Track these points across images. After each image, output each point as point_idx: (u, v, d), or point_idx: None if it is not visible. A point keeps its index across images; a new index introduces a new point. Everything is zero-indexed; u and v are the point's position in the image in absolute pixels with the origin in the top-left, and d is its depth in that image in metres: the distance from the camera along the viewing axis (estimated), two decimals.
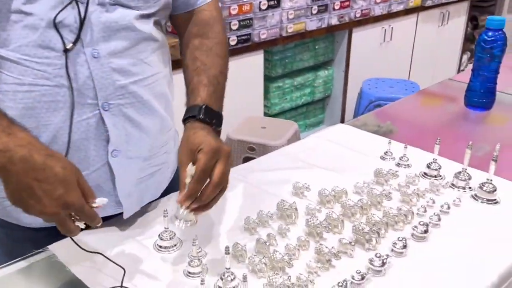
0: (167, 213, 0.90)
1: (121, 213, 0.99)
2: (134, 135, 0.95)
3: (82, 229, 0.80)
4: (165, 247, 0.93)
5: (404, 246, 0.91)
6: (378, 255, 0.87)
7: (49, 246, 0.94)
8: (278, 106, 3.09)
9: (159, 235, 0.94)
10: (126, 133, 0.93)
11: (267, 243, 0.91)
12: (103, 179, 0.94)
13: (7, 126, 0.76)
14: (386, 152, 1.27)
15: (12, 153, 0.73)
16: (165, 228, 0.93)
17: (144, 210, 1.04)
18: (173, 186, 1.10)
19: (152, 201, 1.06)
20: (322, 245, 0.89)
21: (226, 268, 0.81)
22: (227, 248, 0.80)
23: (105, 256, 0.89)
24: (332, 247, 0.89)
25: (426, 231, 0.95)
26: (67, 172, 0.75)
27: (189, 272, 0.87)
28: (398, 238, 0.91)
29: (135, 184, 0.98)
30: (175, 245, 0.93)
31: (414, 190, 1.07)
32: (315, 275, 0.85)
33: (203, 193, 0.83)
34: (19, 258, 0.91)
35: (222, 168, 0.84)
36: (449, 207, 1.04)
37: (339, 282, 0.80)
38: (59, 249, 0.93)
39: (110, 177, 0.94)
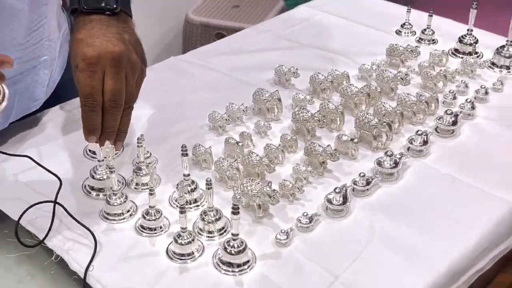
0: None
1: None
2: None
3: None
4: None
5: (425, 143, 0.92)
6: (389, 153, 0.88)
7: None
8: None
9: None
10: None
11: (240, 144, 0.91)
12: None
13: None
14: (404, 24, 1.26)
15: None
16: None
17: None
18: (64, 92, 1.05)
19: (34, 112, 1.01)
20: (315, 144, 0.89)
21: (184, 175, 0.82)
22: (183, 147, 0.79)
23: (34, 161, 0.88)
24: (328, 146, 0.89)
25: (455, 123, 0.96)
26: None
27: (137, 184, 0.87)
28: (417, 132, 0.92)
29: None
30: (116, 154, 0.93)
31: (441, 71, 1.07)
32: (305, 181, 0.86)
33: (103, 125, 0.82)
34: None
35: (110, 84, 0.81)
36: (486, 93, 1.05)
37: (336, 188, 0.82)
38: None
39: None
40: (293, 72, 1.08)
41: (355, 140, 0.91)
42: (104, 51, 0.81)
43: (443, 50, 1.14)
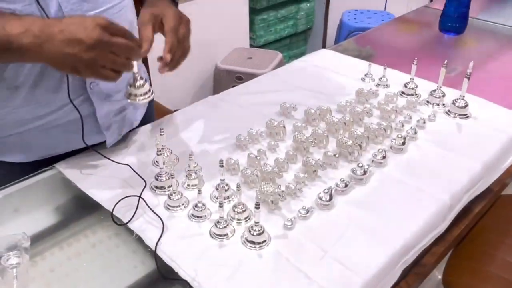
0: (163, 132, 0.88)
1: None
2: None
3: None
4: (164, 163, 0.91)
5: (384, 157, 0.91)
6: (360, 165, 0.86)
7: (55, 165, 0.92)
8: (263, 38, 2.99)
9: (157, 153, 0.92)
10: None
11: (258, 158, 0.89)
12: (86, 112, 0.88)
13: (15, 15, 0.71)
14: (367, 74, 1.24)
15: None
16: (162, 146, 0.91)
17: (126, 137, 1.01)
18: (149, 115, 1.08)
19: (131, 130, 1.03)
20: (309, 158, 0.88)
21: (220, 180, 0.81)
22: (221, 161, 0.78)
23: (132, 168, 0.88)
24: (318, 159, 0.88)
25: (403, 143, 0.95)
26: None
27: (188, 185, 0.86)
28: (378, 150, 0.91)
29: (114, 115, 0.95)
30: (173, 161, 0.92)
31: (393, 107, 1.06)
32: (303, 184, 0.85)
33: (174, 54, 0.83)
34: (28, 176, 0.89)
35: (185, 31, 0.84)
36: (424, 122, 1.03)
37: (324, 189, 0.81)
38: (65, 167, 0.91)
39: (91, 110, 0.90)
40: (293, 107, 1.07)
41: (336, 155, 0.90)
42: (182, 17, 0.85)
43: (394, 93, 1.12)
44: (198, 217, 0.78)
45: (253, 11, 2.87)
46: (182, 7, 0.97)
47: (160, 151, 0.86)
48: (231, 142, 0.98)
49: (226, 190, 0.82)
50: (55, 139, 0.90)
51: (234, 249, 0.73)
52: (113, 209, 0.79)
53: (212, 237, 0.75)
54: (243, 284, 0.67)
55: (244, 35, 2.78)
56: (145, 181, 0.84)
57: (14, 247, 0.71)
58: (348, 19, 3.04)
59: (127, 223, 0.77)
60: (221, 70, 2.38)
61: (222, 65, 2.38)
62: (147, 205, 0.79)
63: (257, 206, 0.70)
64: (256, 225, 0.73)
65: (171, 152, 0.93)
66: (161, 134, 0.88)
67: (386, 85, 1.20)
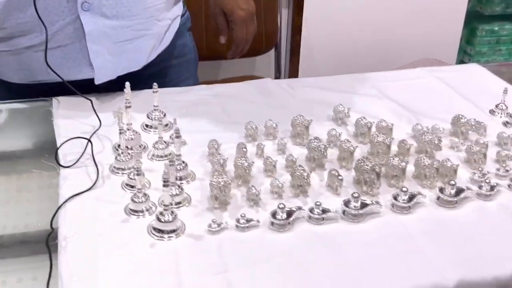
0: (157, 88, 1.02)
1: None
2: None
3: None
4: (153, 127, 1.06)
5: (410, 200, 0.86)
6: (355, 195, 0.85)
7: (54, 98, 1.15)
8: (485, 57, 2.87)
9: (147, 115, 1.06)
10: None
11: (244, 149, 0.96)
12: (74, 36, 1.07)
13: None
14: (499, 104, 1.16)
15: None
16: (154, 106, 1.05)
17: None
18: (162, 60, 1.23)
19: (132, 74, 1.15)
20: (302, 167, 0.90)
21: (176, 154, 0.90)
22: (177, 130, 0.87)
23: (92, 105, 1.07)
24: (309, 173, 0.89)
25: (458, 194, 0.88)
26: None
27: (153, 155, 0.98)
28: (402, 189, 0.87)
29: (109, 47, 1.10)
30: (167, 125, 1.06)
31: (481, 149, 0.97)
32: (276, 195, 0.88)
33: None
34: (21, 100, 1.16)
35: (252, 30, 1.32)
36: None
37: (280, 204, 0.82)
38: (59, 102, 1.13)
39: (81, 35, 1.07)
40: (345, 113, 1.08)
41: (340, 177, 0.89)
42: None
43: (509, 135, 1.03)
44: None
45: (477, 17, 2.78)
46: None
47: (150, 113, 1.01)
48: (244, 133, 1.06)
49: (180, 170, 0.90)
50: (32, 65, 1.11)
51: (130, 228, 0.81)
52: (56, 150, 0.97)
53: (126, 213, 0.85)
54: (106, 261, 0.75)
55: (451, 47, 2.72)
56: (100, 121, 1.02)
57: None
58: None
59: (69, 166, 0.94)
60: None
61: None
62: (91, 151, 0.95)
63: (164, 184, 0.78)
64: (166, 210, 0.80)
65: (164, 115, 1.06)
66: (154, 92, 1.02)
67: None
